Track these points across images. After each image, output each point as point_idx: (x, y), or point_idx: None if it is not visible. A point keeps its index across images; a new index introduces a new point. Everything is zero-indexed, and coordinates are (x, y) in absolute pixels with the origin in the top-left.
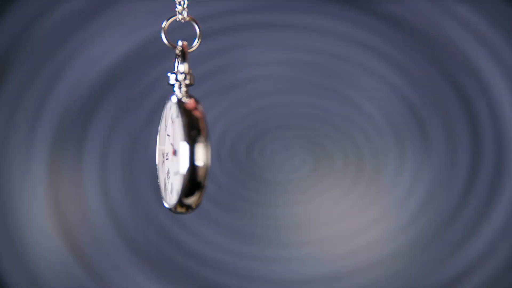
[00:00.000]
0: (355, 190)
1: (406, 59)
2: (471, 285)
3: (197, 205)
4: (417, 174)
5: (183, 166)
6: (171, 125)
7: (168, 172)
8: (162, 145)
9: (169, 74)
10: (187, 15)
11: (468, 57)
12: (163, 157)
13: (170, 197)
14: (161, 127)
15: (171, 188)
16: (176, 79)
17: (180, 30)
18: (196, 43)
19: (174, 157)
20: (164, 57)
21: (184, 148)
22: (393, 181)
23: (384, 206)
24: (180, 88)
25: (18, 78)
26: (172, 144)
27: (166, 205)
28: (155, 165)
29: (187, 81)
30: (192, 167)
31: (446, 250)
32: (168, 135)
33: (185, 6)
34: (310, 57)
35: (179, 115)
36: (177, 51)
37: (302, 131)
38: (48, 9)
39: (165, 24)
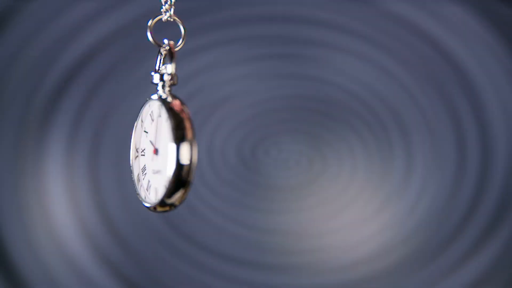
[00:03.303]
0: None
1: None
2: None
3: (181, 202)
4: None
5: (170, 167)
6: (150, 123)
7: (144, 169)
8: (138, 140)
9: (152, 73)
10: (173, 14)
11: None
12: (137, 152)
13: (146, 194)
14: (138, 123)
15: (148, 185)
16: (161, 79)
17: (164, 29)
18: (180, 43)
19: (155, 155)
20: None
21: (171, 148)
22: (403, 181)
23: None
24: (163, 87)
25: (29, 76)
26: (151, 142)
27: (145, 204)
28: (129, 160)
29: (172, 81)
30: (178, 168)
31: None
32: (146, 132)
33: (172, 3)
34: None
35: (166, 116)
36: (162, 51)
37: (304, 131)
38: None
39: (150, 23)
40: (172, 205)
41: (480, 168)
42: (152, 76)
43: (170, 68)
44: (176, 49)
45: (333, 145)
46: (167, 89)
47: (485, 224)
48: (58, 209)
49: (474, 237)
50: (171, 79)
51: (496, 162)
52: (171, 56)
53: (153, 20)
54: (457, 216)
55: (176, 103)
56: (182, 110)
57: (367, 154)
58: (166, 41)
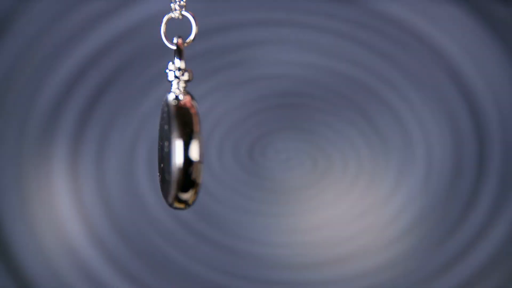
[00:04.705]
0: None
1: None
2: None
3: (193, 201)
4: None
5: (178, 162)
6: (167, 121)
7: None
8: (163, 140)
9: (167, 70)
10: (182, 11)
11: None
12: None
13: (167, 193)
14: (161, 122)
15: (167, 183)
16: (175, 76)
17: (179, 24)
18: (191, 37)
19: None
20: (165, 54)
21: (178, 144)
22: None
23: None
24: (178, 84)
25: (32, 77)
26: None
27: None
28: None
29: (185, 78)
30: (186, 163)
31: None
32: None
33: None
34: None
35: (172, 113)
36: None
37: (307, 133)
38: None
39: (163, 27)
40: (186, 203)
41: (477, 152)
42: (167, 73)
43: (179, 63)
44: (185, 44)
45: (330, 138)
46: (182, 85)
47: (495, 199)
48: (64, 209)
49: (483, 216)
50: (183, 75)
51: (492, 161)
52: (179, 53)
53: (164, 23)
54: (464, 196)
55: (187, 99)
56: (192, 106)
57: (367, 144)
58: (175, 39)
